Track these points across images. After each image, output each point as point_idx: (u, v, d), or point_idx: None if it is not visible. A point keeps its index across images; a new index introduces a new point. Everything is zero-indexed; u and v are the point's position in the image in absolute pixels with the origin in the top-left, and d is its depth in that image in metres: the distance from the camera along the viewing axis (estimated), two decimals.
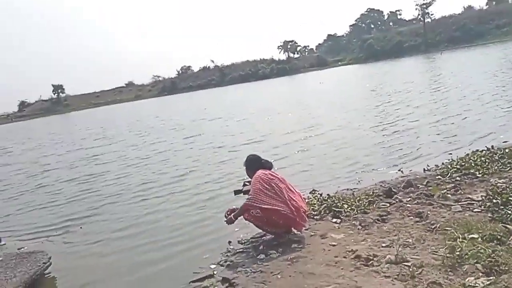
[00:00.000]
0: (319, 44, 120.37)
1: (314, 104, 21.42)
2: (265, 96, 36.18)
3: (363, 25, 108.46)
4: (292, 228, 4.67)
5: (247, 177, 5.01)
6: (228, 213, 4.81)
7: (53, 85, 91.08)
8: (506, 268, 3.11)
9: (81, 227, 6.73)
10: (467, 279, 3.07)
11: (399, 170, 6.93)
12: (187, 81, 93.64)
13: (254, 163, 4.91)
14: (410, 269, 3.43)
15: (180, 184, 8.67)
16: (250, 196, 4.52)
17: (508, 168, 5.64)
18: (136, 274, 4.71)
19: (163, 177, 9.56)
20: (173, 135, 17.64)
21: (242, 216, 4.67)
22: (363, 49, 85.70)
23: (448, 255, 3.45)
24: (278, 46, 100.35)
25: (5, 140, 30.70)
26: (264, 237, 4.94)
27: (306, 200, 5.71)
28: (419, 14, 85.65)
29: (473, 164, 5.98)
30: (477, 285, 2.96)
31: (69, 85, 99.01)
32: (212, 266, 4.50)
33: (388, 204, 5.24)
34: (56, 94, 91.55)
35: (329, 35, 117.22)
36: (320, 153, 9.60)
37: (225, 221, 4.80)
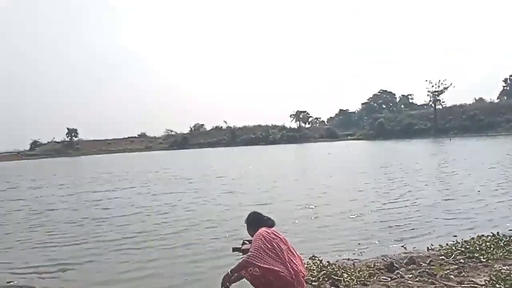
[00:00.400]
0: (331, 117, 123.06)
1: (323, 172, 21.48)
2: (274, 159, 36.46)
3: (375, 104, 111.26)
4: None
5: (248, 235, 4.97)
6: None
7: (68, 128, 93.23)
8: None
9: (73, 268, 6.62)
10: None
11: (402, 246, 6.83)
12: (198, 137, 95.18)
13: (256, 222, 4.84)
14: None
15: (179, 236, 8.59)
16: (250, 253, 4.43)
17: None
18: None
19: (164, 228, 9.48)
20: (181, 188, 17.65)
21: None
22: (373, 126, 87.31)
23: None
24: (291, 115, 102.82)
25: (14, 177, 30.90)
26: None
27: (305, 266, 5.62)
28: (430, 100, 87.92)
29: (477, 248, 5.89)
30: None
31: (82, 129, 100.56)
32: None
33: (389, 279, 5.12)
34: (69, 137, 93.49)
35: (341, 110, 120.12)
36: (324, 220, 9.53)
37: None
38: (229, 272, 4.55)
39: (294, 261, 4.50)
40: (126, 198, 15.33)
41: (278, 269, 4.33)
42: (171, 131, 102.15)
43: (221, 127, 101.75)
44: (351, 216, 9.81)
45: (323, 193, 13.93)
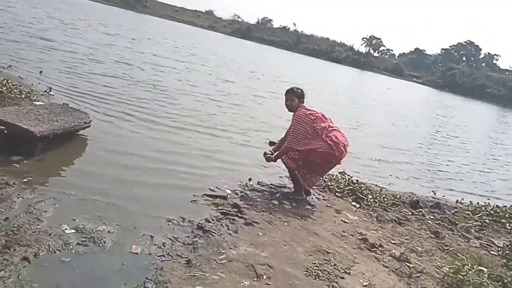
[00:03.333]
0: (404, 53, 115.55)
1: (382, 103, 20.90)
2: (333, 79, 35.54)
3: (456, 54, 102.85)
4: (331, 161, 4.61)
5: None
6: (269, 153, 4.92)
7: None
8: None
9: (124, 111, 7.03)
10: None
11: (433, 191, 6.80)
12: (263, 33, 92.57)
13: (300, 95, 4.74)
14: (410, 270, 3.47)
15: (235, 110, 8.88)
16: (289, 139, 4.60)
17: None
18: (159, 177, 4.69)
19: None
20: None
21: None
22: (444, 76, 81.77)
23: (451, 274, 3.45)
24: (363, 38, 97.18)
25: (89, 16, 31.47)
26: (284, 189, 5.06)
27: (335, 178, 5.75)
28: None
29: (507, 216, 5.78)
30: None
31: None
32: (228, 191, 4.67)
33: (410, 213, 5.21)
34: None
35: (416, 49, 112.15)
36: (366, 143, 9.64)
37: (265, 157, 4.90)
38: (273, 157, 4.77)
39: (334, 134, 4.53)
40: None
41: (316, 146, 4.46)
42: (239, 17, 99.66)
43: (288, 28, 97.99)
44: (398, 150, 9.77)
45: (371, 122, 13.69)
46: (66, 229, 3.12)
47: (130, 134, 5.96)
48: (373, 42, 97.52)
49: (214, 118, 8.29)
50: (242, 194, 4.67)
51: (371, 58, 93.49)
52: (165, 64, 14.66)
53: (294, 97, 4.69)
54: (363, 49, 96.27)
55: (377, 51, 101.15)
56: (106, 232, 3.20)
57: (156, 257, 3.03)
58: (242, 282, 2.80)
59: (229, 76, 16.06)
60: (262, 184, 5.14)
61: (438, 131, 15.65)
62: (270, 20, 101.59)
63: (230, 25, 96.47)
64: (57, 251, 2.83)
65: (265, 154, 4.92)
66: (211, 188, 4.64)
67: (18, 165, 3.94)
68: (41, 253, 2.76)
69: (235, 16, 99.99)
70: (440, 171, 8.69)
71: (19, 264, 2.60)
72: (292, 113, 4.72)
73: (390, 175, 7.31)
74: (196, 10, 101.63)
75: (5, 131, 4.03)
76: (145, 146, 5.62)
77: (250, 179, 5.19)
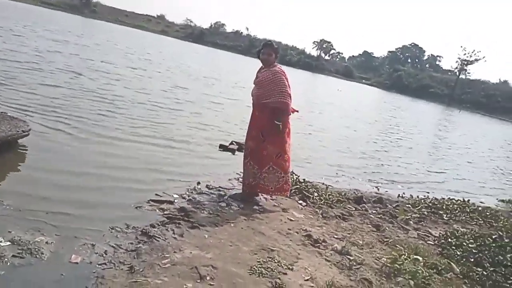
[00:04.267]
0: (353, 56, 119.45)
1: (328, 105, 21.48)
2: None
3: (401, 56, 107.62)
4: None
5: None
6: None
7: None
8: None
9: (66, 121, 6.78)
10: (396, 287, 3.26)
11: (376, 187, 7.11)
12: (216, 37, 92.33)
13: (277, 51, 4.63)
14: (350, 262, 3.62)
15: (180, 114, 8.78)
16: (285, 93, 4.44)
17: (474, 223, 5.83)
18: (104, 182, 4.66)
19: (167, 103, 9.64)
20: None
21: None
22: (391, 77, 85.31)
23: (388, 264, 3.63)
24: (314, 41, 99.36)
25: (37, 23, 30.02)
26: (232, 191, 5.11)
27: None
28: (456, 67, 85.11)
29: (444, 207, 6.16)
30: None
31: None
32: (175, 195, 4.66)
33: (353, 209, 5.42)
34: None
35: (365, 52, 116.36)
36: (313, 143, 9.91)
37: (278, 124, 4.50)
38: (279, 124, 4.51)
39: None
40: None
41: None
42: (191, 21, 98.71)
43: (241, 32, 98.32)
44: (342, 151, 10.07)
45: (320, 123, 14.07)
46: (1, 241, 3.00)
47: (72, 144, 5.70)
48: (324, 46, 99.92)
49: (167, 128, 7.98)
50: (190, 198, 4.67)
51: (322, 61, 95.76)
52: (116, 71, 14.14)
53: (273, 52, 4.57)
54: (314, 53, 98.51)
55: (327, 54, 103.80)
56: (44, 243, 3.11)
57: (97, 265, 2.98)
58: (186, 285, 2.81)
59: (184, 83, 15.82)
60: (210, 187, 5.16)
61: (391, 132, 16.27)
62: (223, 24, 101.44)
63: (183, 29, 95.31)
64: None
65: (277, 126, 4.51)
66: (157, 193, 4.60)
67: None
68: None
69: (187, 21, 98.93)
70: (387, 172, 9.03)
71: None
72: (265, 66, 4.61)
73: (337, 174, 7.57)
74: (147, 15, 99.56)
75: None
76: (88, 155, 5.47)
77: (198, 183, 5.21)
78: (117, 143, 6.25)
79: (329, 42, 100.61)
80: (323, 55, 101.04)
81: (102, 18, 76.73)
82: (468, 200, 6.85)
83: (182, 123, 8.82)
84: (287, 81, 4.52)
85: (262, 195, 5.00)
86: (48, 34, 22.44)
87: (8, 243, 3.01)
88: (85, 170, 4.88)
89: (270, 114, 4.51)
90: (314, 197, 5.38)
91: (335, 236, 4.27)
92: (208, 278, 2.93)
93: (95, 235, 3.40)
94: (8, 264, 2.80)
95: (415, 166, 10.22)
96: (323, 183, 6.40)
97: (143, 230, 3.59)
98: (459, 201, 6.63)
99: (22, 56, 12.43)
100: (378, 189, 6.97)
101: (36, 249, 3.01)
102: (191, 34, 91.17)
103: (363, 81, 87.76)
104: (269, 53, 4.56)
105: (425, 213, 5.81)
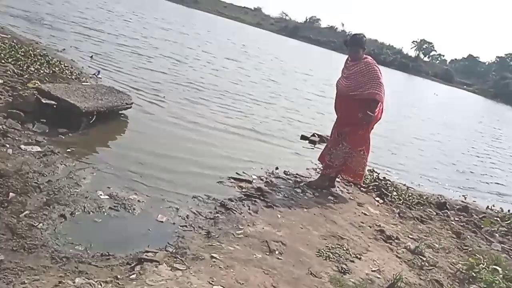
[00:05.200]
0: (455, 59, 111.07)
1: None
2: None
3: (511, 63, 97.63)
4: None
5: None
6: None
7: None
8: None
9: (164, 97, 7.36)
10: None
11: (463, 195, 6.68)
12: (309, 32, 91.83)
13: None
14: (422, 262, 3.53)
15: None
16: (380, 85, 4.41)
17: None
18: (192, 156, 4.99)
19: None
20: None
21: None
22: (497, 84, 77.80)
23: (464, 270, 3.48)
24: (413, 41, 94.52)
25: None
26: (308, 179, 5.20)
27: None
28: None
29: None
30: None
31: None
32: (254, 176, 4.86)
33: (434, 213, 5.19)
34: None
35: (470, 55, 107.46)
36: (405, 146, 9.58)
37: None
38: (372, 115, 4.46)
39: None
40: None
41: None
42: (286, 15, 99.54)
43: (336, 28, 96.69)
44: (427, 156, 9.59)
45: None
46: (101, 194, 3.44)
47: (171, 121, 6.21)
48: (424, 46, 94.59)
49: (256, 119, 8.00)
50: (267, 180, 4.85)
51: (420, 63, 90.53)
52: (214, 61, 14.66)
53: (360, 49, 4.56)
54: (412, 53, 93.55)
55: (427, 56, 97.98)
56: (136, 201, 3.49)
57: (179, 226, 3.29)
58: (255, 255, 2.99)
59: (277, 77, 15.83)
60: (288, 173, 5.29)
61: (494, 145, 15.00)
62: (318, 19, 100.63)
63: (278, 22, 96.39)
64: (91, 213, 3.15)
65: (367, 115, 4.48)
66: (238, 172, 4.85)
67: (63, 137, 4.32)
68: (77, 213, 3.08)
69: (282, 14, 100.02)
70: (480, 183, 8.40)
71: (57, 219, 2.92)
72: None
73: (421, 177, 7.24)
74: (244, 7, 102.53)
75: (55, 105, 4.44)
76: (183, 134, 5.85)
77: (276, 168, 5.37)
78: (207, 129, 6.52)
79: (430, 43, 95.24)
80: (421, 56, 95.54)
81: (202, 9, 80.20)
82: None
83: (271, 115, 8.98)
84: (380, 72, 4.49)
85: (338, 188, 5.02)
86: (155, 21, 24.19)
87: (107, 196, 3.44)
88: (178, 144, 5.33)
89: (360, 105, 4.48)
90: (393, 196, 5.25)
91: (410, 236, 4.16)
92: (277, 252, 3.08)
93: (180, 200, 3.73)
94: (106, 214, 3.21)
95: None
96: (404, 184, 6.20)
97: (222, 202, 3.85)
98: None
99: (132, 42, 13.61)
100: (465, 198, 6.54)
101: (129, 205, 3.40)
102: (285, 27, 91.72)
103: (465, 87, 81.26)
104: (357, 50, 4.55)
105: None
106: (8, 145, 3.72)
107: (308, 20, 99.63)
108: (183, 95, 8.15)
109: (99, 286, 2.24)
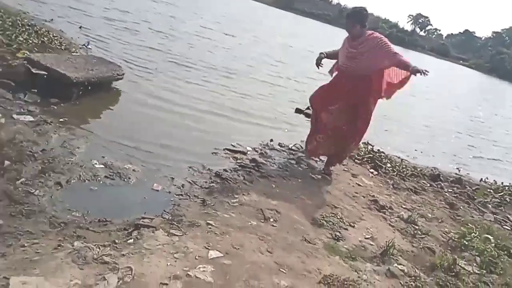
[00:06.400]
0: (452, 34, 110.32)
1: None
2: None
3: (507, 38, 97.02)
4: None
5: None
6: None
7: None
8: (501, 272, 3.18)
9: (156, 68, 7.24)
10: (461, 260, 3.18)
11: (457, 168, 6.75)
12: (304, 5, 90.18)
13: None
14: (415, 231, 3.58)
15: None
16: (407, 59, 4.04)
17: None
18: (186, 131, 4.94)
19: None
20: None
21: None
22: (493, 59, 77.63)
23: (456, 238, 3.54)
24: (409, 15, 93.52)
25: None
26: (302, 153, 5.19)
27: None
28: None
29: None
30: (466, 268, 3.08)
31: None
32: (248, 148, 4.86)
33: (428, 185, 5.25)
34: None
35: (466, 30, 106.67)
36: (397, 117, 9.59)
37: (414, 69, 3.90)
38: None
39: None
40: None
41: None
42: None
43: (331, 1, 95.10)
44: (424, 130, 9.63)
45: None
46: (95, 163, 3.42)
47: (162, 90, 6.16)
48: (420, 21, 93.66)
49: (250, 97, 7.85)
50: (262, 152, 4.86)
51: (416, 37, 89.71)
52: (210, 36, 14.32)
53: (357, 23, 4.13)
54: (408, 27, 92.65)
55: (423, 30, 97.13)
56: (131, 170, 3.49)
57: (174, 195, 3.30)
58: (250, 222, 3.02)
59: (279, 54, 15.45)
60: (282, 145, 5.29)
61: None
62: None
63: None
64: (87, 181, 3.15)
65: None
66: (233, 144, 4.84)
67: (56, 107, 4.26)
68: (72, 181, 3.07)
69: None
70: (476, 156, 8.48)
71: (53, 187, 2.92)
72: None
73: (416, 151, 7.28)
74: None
75: (45, 75, 4.36)
76: (176, 102, 5.83)
77: (271, 140, 5.36)
78: (201, 103, 6.45)
79: (426, 17, 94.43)
80: (418, 30, 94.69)
81: None
82: None
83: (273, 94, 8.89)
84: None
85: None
86: None
87: (102, 166, 3.43)
88: (172, 119, 5.24)
89: (368, 84, 4.17)
90: (387, 168, 5.29)
91: (403, 206, 4.22)
92: (271, 220, 3.11)
93: (175, 170, 3.73)
94: (101, 182, 3.21)
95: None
96: (398, 157, 6.24)
97: (217, 173, 3.85)
98: None
99: (121, 15, 13.21)
100: (459, 170, 6.61)
101: (125, 174, 3.40)
102: (280, 0, 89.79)
103: (460, 61, 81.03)
104: (352, 25, 4.13)
105: (507, 199, 5.44)
106: (0, 115, 3.67)
107: None
108: (174, 69, 8.03)
109: (98, 250, 2.25)
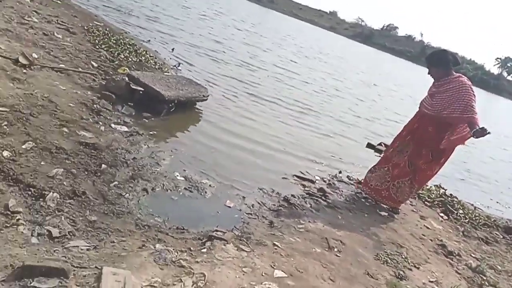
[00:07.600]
0: None
1: None
2: None
3: None
4: None
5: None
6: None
7: None
8: None
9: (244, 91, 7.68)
10: None
11: None
12: (385, 40, 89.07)
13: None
14: (482, 281, 3.46)
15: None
16: (473, 109, 3.82)
17: None
18: (259, 155, 5.11)
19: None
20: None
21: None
22: None
23: None
24: (496, 58, 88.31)
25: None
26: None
27: (430, 189, 5.65)
28: None
29: None
30: None
31: None
32: (317, 177, 4.98)
33: (501, 236, 4.98)
34: None
35: None
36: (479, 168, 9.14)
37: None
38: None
39: None
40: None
41: None
42: (362, 20, 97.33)
43: (414, 38, 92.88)
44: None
45: None
46: (177, 175, 3.76)
47: (245, 115, 6.51)
48: (508, 65, 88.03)
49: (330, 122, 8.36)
50: (330, 182, 4.95)
51: (503, 82, 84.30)
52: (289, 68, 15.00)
53: (432, 67, 4.15)
54: (495, 71, 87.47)
55: (511, 75, 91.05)
56: (208, 185, 3.78)
57: (245, 213, 3.52)
58: (314, 249, 3.13)
59: (358, 89, 15.86)
60: (351, 178, 5.34)
61: None
62: (396, 27, 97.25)
63: (352, 28, 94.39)
64: (169, 190, 3.47)
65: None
66: (301, 171, 5.00)
67: (147, 120, 4.74)
68: (157, 189, 3.41)
69: (358, 20, 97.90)
70: None
71: (140, 192, 3.27)
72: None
73: (491, 200, 6.91)
74: (320, 10, 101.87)
75: (142, 91, 4.87)
76: (255, 129, 6.11)
77: (340, 172, 5.44)
78: (285, 125, 6.90)
79: None
80: (505, 74, 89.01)
81: (277, 9, 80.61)
82: None
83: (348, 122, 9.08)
84: (473, 95, 3.92)
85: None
86: (234, 22, 24.85)
87: (183, 178, 3.75)
88: (249, 137, 5.58)
89: (445, 130, 4.09)
90: (459, 214, 5.12)
91: (472, 255, 4.07)
92: (335, 249, 3.20)
93: (247, 190, 3.96)
94: (181, 193, 3.52)
95: None
96: (472, 204, 5.98)
97: (285, 197, 4.02)
98: None
99: (209, 44, 14.15)
100: None
101: (202, 188, 3.70)
102: (360, 33, 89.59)
103: None
104: (429, 67, 4.18)
105: None
106: (101, 123, 4.16)
107: (385, 28, 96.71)
108: (263, 91, 8.47)
109: (176, 253, 2.51)
